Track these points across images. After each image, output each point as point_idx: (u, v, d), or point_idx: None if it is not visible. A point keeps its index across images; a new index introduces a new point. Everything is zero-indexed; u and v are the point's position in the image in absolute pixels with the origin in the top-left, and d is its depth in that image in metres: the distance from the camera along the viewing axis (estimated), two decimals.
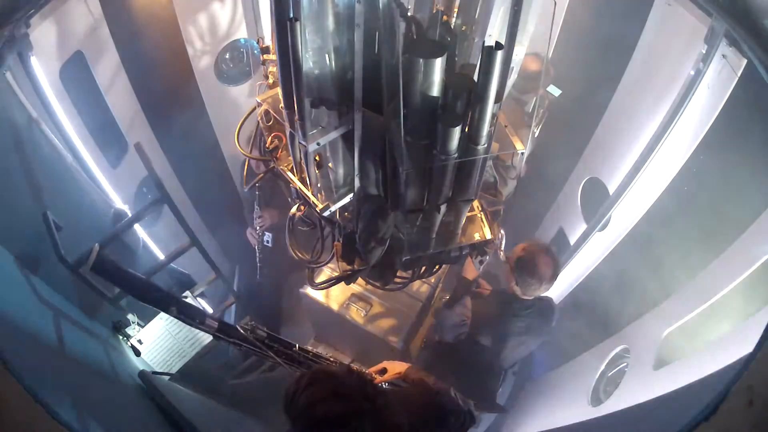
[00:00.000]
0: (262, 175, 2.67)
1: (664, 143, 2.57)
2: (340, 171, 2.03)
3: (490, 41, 1.56)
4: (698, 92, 2.34)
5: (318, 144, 1.81)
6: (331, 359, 1.96)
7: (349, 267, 2.43)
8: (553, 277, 2.58)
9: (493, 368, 3.04)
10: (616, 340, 2.97)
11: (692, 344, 2.27)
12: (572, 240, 3.68)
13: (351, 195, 2.03)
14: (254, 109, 2.32)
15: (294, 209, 2.49)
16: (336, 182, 2.08)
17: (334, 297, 3.35)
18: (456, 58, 1.73)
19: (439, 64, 1.47)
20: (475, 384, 3.01)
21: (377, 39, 1.59)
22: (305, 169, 2.07)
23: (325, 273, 3.16)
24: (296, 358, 1.80)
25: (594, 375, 3.03)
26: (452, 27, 1.73)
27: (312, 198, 2.11)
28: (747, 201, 2.08)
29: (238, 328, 1.77)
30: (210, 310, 3.07)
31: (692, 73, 2.34)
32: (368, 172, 1.94)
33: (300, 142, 1.85)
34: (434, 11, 1.74)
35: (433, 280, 3.40)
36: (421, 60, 1.46)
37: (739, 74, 2.06)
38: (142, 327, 2.37)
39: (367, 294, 3.37)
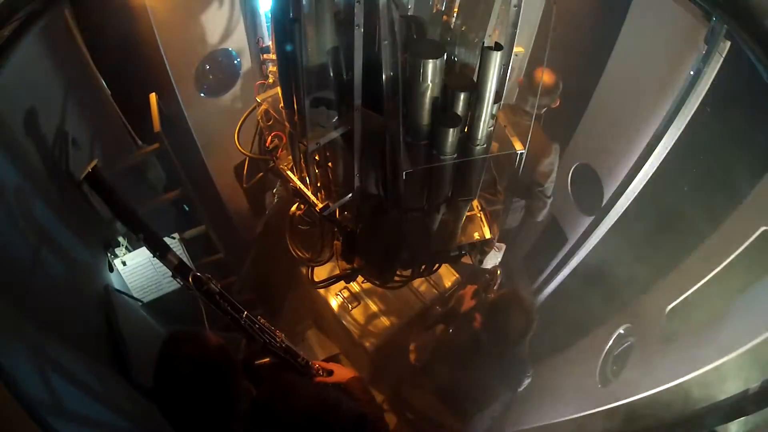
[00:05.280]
0: (261, 174, 2.68)
1: (664, 143, 2.57)
2: (340, 170, 2.03)
3: (489, 42, 1.56)
4: (698, 92, 2.34)
5: (318, 143, 1.81)
6: (278, 335, 1.93)
7: (348, 266, 2.44)
8: (522, 335, 2.41)
9: (449, 404, 2.88)
10: (619, 318, 2.95)
11: (696, 318, 2.27)
12: (563, 225, 3.68)
13: (351, 194, 2.04)
14: (254, 108, 2.32)
15: (294, 208, 2.49)
16: (336, 182, 2.09)
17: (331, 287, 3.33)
18: (456, 59, 1.73)
19: (438, 64, 1.47)
20: (429, 414, 2.90)
21: (377, 39, 1.59)
22: (305, 168, 2.08)
23: (329, 266, 3.14)
24: (241, 324, 1.80)
25: (599, 355, 2.99)
26: (452, 27, 1.73)
27: (312, 197, 2.12)
28: (743, 172, 2.09)
29: (191, 273, 1.76)
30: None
31: (692, 73, 2.34)
32: (368, 172, 1.95)
33: (300, 142, 1.85)
34: (434, 11, 1.74)
35: (427, 293, 3.40)
36: (420, 60, 1.46)
37: (738, 75, 2.06)
38: (130, 251, 2.48)
39: (362, 293, 3.39)
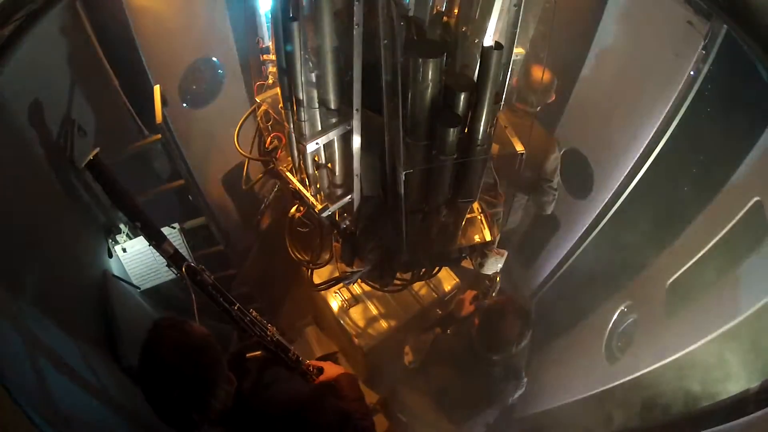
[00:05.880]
0: (261, 176, 2.67)
1: (657, 126, 2.58)
2: (340, 171, 2.02)
3: (489, 42, 1.56)
4: (697, 92, 2.35)
5: (317, 144, 1.81)
6: (270, 329, 1.91)
7: (348, 268, 2.43)
8: (516, 342, 2.39)
9: (443, 408, 2.83)
10: (621, 296, 2.95)
11: (696, 290, 2.27)
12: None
13: (350, 196, 2.03)
14: (254, 109, 2.32)
15: (293, 209, 2.48)
16: (335, 183, 2.08)
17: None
18: (456, 59, 1.73)
19: (438, 64, 1.47)
20: (423, 417, 2.85)
21: (377, 39, 1.58)
22: (304, 169, 2.07)
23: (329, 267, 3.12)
24: (232, 316, 1.79)
25: (604, 333, 2.99)
26: (452, 27, 1.72)
27: (311, 199, 2.11)
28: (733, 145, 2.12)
29: (185, 264, 1.76)
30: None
31: (692, 73, 2.34)
32: (368, 173, 1.94)
33: (299, 142, 1.84)
34: (434, 12, 1.73)
35: (427, 296, 3.40)
36: (420, 60, 1.45)
37: (736, 74, 2.06)
38: (131, 238, 2.50)
39: (362, 294, 3.38)
